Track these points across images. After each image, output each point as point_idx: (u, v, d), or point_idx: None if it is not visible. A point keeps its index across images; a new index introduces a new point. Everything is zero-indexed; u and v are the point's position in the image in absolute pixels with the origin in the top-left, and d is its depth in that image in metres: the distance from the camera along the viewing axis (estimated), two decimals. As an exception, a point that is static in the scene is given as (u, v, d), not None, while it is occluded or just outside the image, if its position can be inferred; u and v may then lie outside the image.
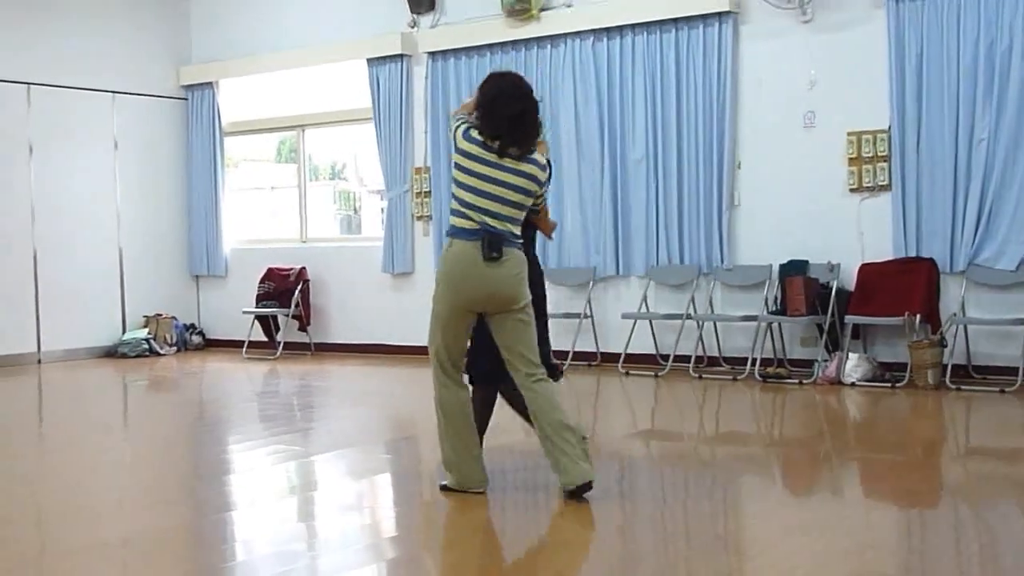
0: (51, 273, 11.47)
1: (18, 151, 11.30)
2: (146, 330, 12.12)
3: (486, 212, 4.94)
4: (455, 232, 5.00)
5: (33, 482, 6.01)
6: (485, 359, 5.28)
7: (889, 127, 8.69)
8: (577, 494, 4.96)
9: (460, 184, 4.99)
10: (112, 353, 11.87)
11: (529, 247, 5.42)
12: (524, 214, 5.09)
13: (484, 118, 5.00)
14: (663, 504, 5.29)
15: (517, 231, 5.06)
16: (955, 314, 8.38)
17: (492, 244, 4.92)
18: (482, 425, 5.46)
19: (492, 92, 5.02)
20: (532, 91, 5.10)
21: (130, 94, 12.22)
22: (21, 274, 11.29)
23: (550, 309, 10.00)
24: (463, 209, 4.96)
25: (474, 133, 5.00)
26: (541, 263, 10.46)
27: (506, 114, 4.95)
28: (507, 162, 4.95)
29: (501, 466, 6.01)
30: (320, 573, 4.26)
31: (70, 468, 6.28)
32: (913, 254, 8.61)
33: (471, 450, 5.19)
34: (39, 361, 11.36)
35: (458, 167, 5.01)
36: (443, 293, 5.04)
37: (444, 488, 5.24)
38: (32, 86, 11.38)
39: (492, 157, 4.94)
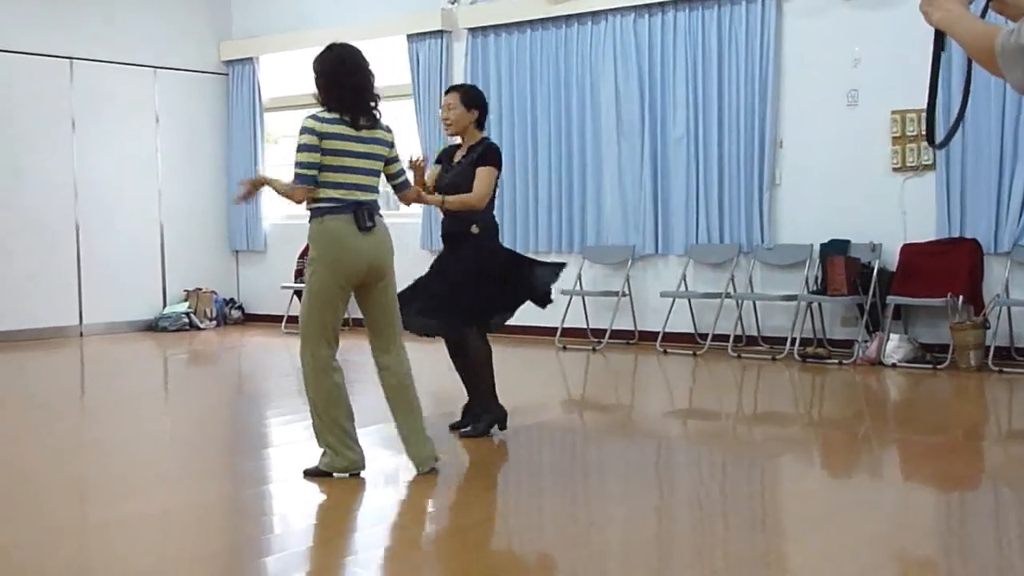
0: (93, 247, 11.58)
1: (61, 126, 11.39)
2: (186, 304, 12.22)
3: (354, 186, 4.96)
4: (325, 210, 4.93)
5: (74, 454, 6.07)
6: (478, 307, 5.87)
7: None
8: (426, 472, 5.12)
9: (323, 166, 4.91)
10: (153, 327, 11.98)
11: (493, 233, 5.96)
12: (379, 181, 5.14)
13: (327, 90, 4.99)
14: (700, 484, 5.27)
15: (377, 200, 5.10)
16: (998, 295, 8.29)
17: (366, 215, 4.95)
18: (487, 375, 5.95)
19: (332, 64, 5.03)
20: (368, 63, 5.12)
21: (172, 69, 12.28)
22: (64, 248, 11.40)
23: (587, 287, 10.10)
24: (330, 190, 4.92)
25: (323, 114, 4.96)
26: (580, 240, 10.54)
27: (349, 84, 4.98)
28: (363, 133, 4.98)
29: (537, 446, 6.01)
30: (355, 548, 4.28)
31: (110, 440, 6.34)
32: (956, 234, 8.51)
33: (350, 431, 5.11)
34: (81, 334, 11.48)
35: (319, 150, 4.89)
36: (323, 271, 4.96)
37: (314, 473, 5.10)
38: (75, 61, 11.46)
39: (349, 131, 4.94)
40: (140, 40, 11.97)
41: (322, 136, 4.90)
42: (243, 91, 12.66)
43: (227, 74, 12.80)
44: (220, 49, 12.72)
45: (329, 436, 5.07)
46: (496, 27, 10.75)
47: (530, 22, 10.52)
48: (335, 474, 5.08)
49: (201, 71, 12.61)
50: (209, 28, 12.70)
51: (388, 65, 11.50)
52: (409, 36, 11.25)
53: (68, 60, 11.41)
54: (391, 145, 5.15)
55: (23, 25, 11.07)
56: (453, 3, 11.02)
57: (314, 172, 4.90)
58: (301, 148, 4.91)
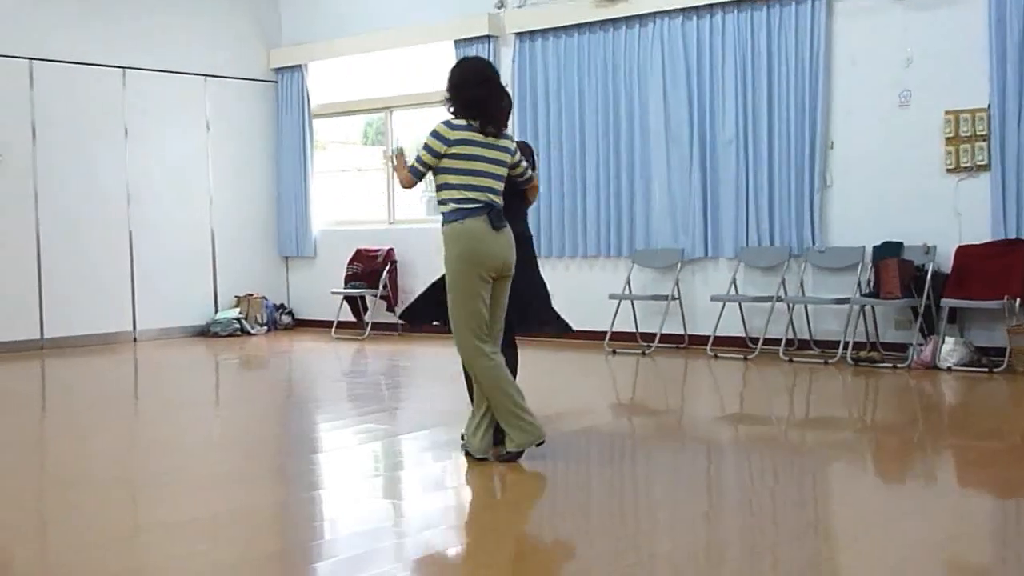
0: (146, 254, 11.71)
1: (114, 134, 11.54)
2: (237, 310, 12.32)
3: (488, 189, 5.32)
4: (463, 212, 5.27)
5: (126, 458, 6.13)
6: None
7: (988, 106, 8.46)
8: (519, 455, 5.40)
9: (457, 171, 5.27)
10: (204, 332, 12.09)
11: (524, 224, 5.92)
12: (503, 185, 5.46)
13: (452, 101, 5.35)
14: (751, 490, 5.22)
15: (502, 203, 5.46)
16: (1056, 298, 8.16)
17: (498, 215, 5.33)
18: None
19: (457, 79, 5.37)
20: (497, 74, 5.47)
21: (222, 77, 12.40)
22: (117, 255, 11.54)
23: (636, 291, 10.08)
24: (466, 192, 5.27)
25: (454, 120, 5.30)
26: (630, 244, 10.52)
27: (473, 95, 5.28)
28: (490, 140, 5.30)
29: (586, 450, 6.00)
30: (406, 553, 4.28)
31: (163, 444, 6.40)
32: (1012, 236, 8.38)
33: (522, 405, 5.39)
34: (135, 339, 11.62)
35: (451, 156, 5.27)
36: (463, 266, 5.28)
37: (506, 459, 5.38)
38: (127, 70, 11.60)
39: (479, 137, 5.28)
40: (191, 49, 12.11)
41: (451, 143, 5.24)
42: (292, 98, 12.75)
43: (276, 81, 12.89)
44: (269, 56, 12.82)
45: (503, 415, 5.35)
46: (543, 31, 10.74)
47: (577, 26, 10.50)
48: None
49: (251, 78, 12.72)
50: (258, 36, 12.81)
51: (436, 71, 11.56)
52: (456, 41, 11.26)
53: (121, 69, 11.55)
54: (514, 152, 5.47)
55: (76, 36, 11.22)
56: (500, 7, 11.02)
57: (426, 171, 5.35)
58: (425, 147, 5.32)
